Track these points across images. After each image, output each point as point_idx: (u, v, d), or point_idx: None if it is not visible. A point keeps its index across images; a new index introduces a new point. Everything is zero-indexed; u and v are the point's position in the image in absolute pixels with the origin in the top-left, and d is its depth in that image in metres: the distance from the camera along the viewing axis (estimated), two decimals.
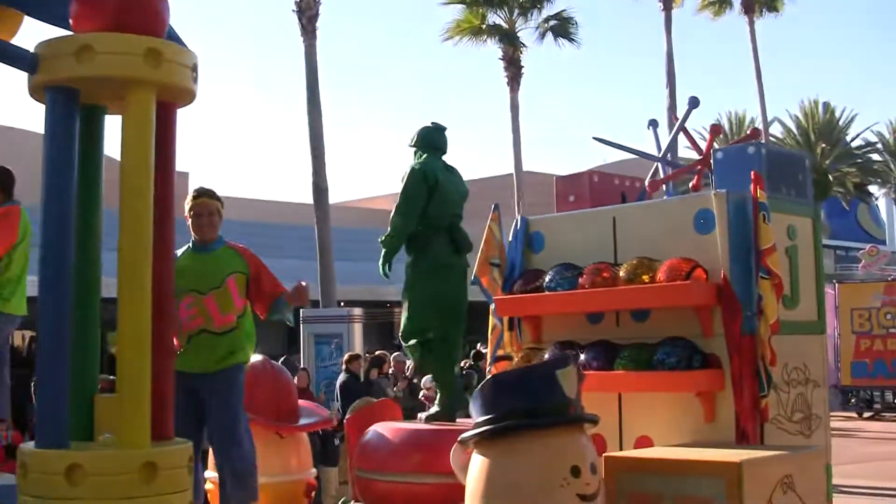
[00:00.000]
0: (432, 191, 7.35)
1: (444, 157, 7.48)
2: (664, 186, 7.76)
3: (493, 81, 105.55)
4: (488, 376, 6.33)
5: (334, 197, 26.82)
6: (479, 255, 7.88)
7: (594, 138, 7.98)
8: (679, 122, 7.89)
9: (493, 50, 32.40)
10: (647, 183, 7.70)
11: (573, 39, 32.32)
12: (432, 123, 7.62)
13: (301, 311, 17.38)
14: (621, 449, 7.15)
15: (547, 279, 7.34)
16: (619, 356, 6.97)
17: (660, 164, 7.83)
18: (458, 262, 7.61)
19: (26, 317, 6.87)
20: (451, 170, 7.68)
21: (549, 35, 32.30)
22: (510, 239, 7.77)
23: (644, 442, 7.07)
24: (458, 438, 5.66)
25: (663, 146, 7.80)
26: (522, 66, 32.02)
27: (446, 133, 7.74)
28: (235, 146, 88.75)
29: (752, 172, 6.97)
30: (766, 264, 6.81)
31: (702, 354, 6.76)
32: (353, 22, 79.75)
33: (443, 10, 32.92)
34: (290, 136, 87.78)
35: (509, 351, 7.60)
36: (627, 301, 6.98)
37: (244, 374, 6.82)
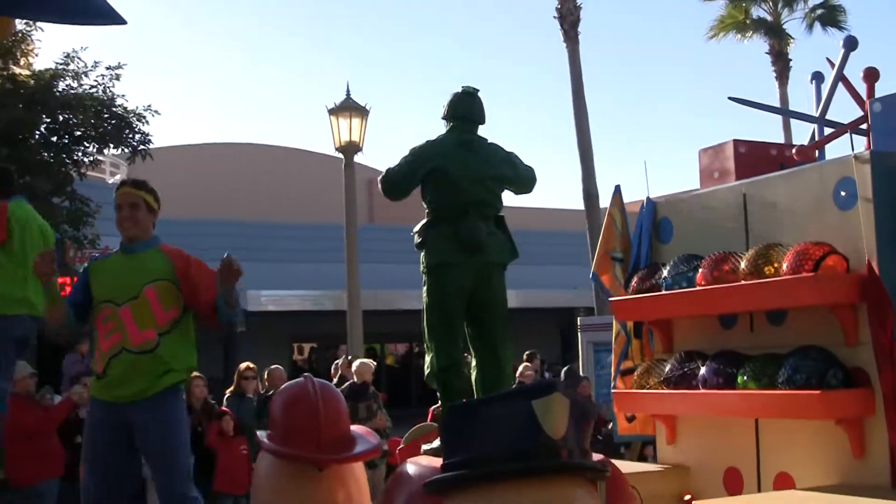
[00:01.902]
0: (429, 175, 5.95)
1: (480, 128, 5.98)
2: (817, 153, 5.94)
3: (761, 77, 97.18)
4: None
5: (604, 202, 25.34)
6: (598, 247, 6.50)
7: (730, 98, 6.30)
8: (836, 69, 6.02)
9: (758, 44, 29.96)
10: (794, 151, 5.91)
11: (843, 27, 28.78)
12: (462, 88, 6.17)
13: (578, 318, 16.03)
14: (759, 488, 5.55)
15: (663, 274, 5.86)
16: (741, 371, 5.40)
17: (815, 127, 6.02)
18: (464, 261, 5.58)
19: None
20: (474, 145, 5.77)
21: (817, 25, 29.15)
22: (635, 226, 6.33)
23: (783, 481, 5.41)
24: (424, 484, 4.43)
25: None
26: (790, 60, 29.18)
27: (477, 98, 5.91)
28: None
29: None
30: None
31: (842, 369, 5.03)
32: (613, 25, 76.07)
33: (704, 7, 30.94)
34: (557, 142, 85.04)
35: (638, 363, 6.17)
36: (743, 300, 5.34)
37: (181, 398, 5.69)
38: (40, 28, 15.09)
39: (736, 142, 6.16)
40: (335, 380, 14.44)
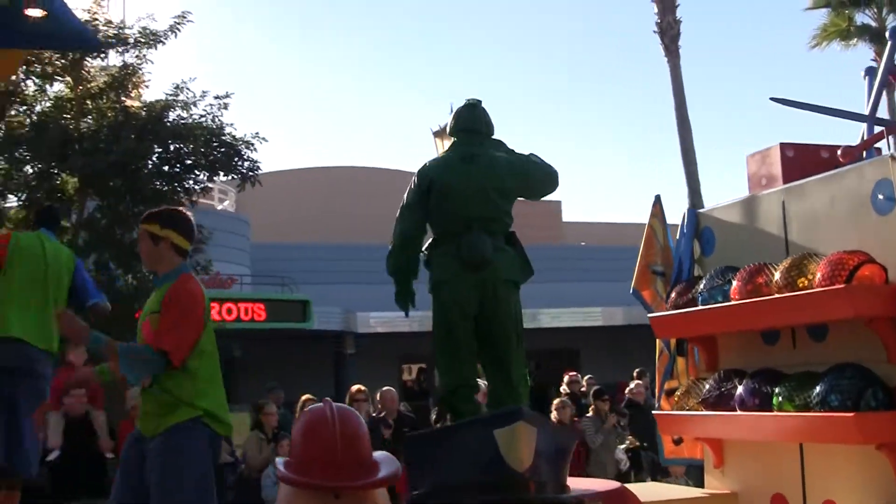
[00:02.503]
0: (429, 192, 5.49)
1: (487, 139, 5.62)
2: (864, 154, 5.42)
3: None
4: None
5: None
6: (638, 260, 6.12)
7: (772, 99, 5.83)
8: (883, 63, 5.50)
9: (863, 52, 28.18)
10: (839, 153, 5.41)
11: None
12: (466, 101, 5.87)
13: None
14: None
15: (700, 288, 5.47)
16: (776, 391, 4.97)
17: (865, 126, 5.51)
18: (467, 278, 5.30)
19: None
20: (477, 158, 5.45)
21: None
22: (677, 237, 5.94)
23: None
24: None
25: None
26: None
27: (479, 109, 5.68)
28: (604, 173, 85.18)
29: None
30: None
31: (883, 389, 4.58)
32: (712, 38, 73.38)
33: (806, 17, 29.35)
34: (657, 156, 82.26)
35: (684, 382, 5.78)
36: (774, 315, 4.89)
37: (190, 436, 5.07)
38: (150, 61, 15.47)
39: (783, 145, 5.71)
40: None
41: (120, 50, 15.39)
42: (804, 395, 4.73)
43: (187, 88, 15.49)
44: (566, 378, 14.52)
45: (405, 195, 5.63)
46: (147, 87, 15.59)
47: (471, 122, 5.57)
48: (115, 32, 15.26)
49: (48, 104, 14.49)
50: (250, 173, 15.57)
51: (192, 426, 5.12)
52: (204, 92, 15.56)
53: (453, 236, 5.31)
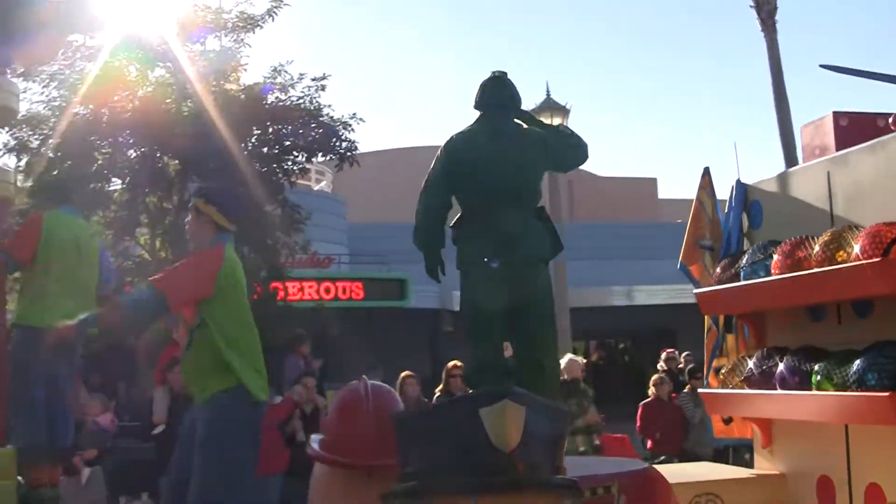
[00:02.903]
0: (455, 167, 5.37)
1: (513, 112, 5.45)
2: None
3: None
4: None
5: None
6: (686, 234, 5.91)
7: (821, 66, 5.53)
8: None
9: None
10: (890, 121, 5.11)
11: None
12: (491, 73, 5.69)
13: None
14: (850, 499, 4.89)
15: (742, 262, 5.27)
16: (815, 369, 4.76)
17: None
18: (498, 256, 5.14)
19: None
20: (504, 133, 5.31)
21: None
22: (725, 211, 5.72)
23: (874, 494, 4.73)
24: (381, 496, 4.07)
25: None
26: None
27: (505, 81, 5.47)
28: (700, 149, 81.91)
29: None
30: None
31: None
32: (811, 12, 69.65)
33: None
34: (756, 134, 78.73)
35: (733, 359, 5.57)
36: (809, 291, 4.67)
37: (229, 406, 5.25)
38: (248, 45, 15.69)
39: (836, 114, 5.45)
40: None
41: (218, 34, 15.67)
42: (842, 374, 4.52)
43: (285, 71, 15.63)
44: (663, 355, 14.32)
45: (430, 169, 5.56)
46: (245, 70, 15.81)
47: (497, 96, 5.44)
48: (214, 17, 15.52)
49: (149, 89, 14.79)
50: (348, 154, 15.65)
51: (234, 392, 5.23)
52: (301, 74, 15.68)
53: (480, 212, 5.21)
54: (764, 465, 5.52)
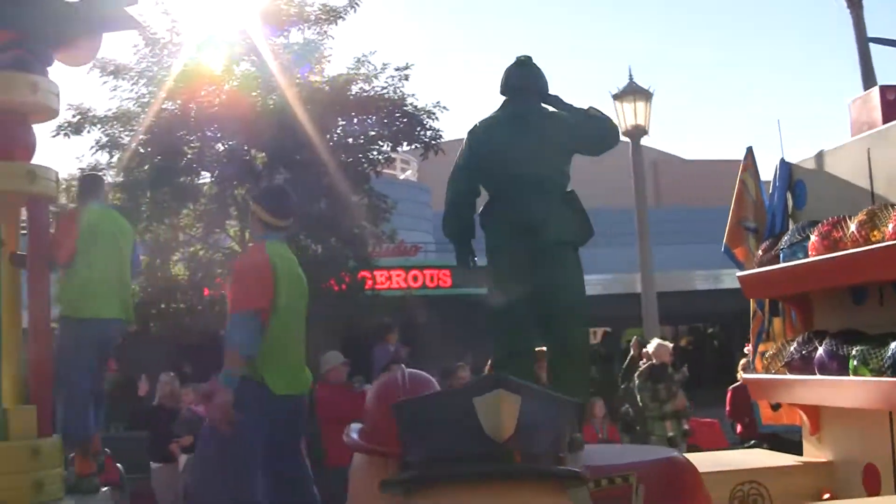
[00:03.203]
0: (478, 154, 5.26)
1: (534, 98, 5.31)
2: None
3: None
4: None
5: None
6: (729, 216, 5.73)
7: (869, 39, 5.25)
8: None
9: None
10: None
11: None
12: (516, 58, 5.55)
13: None
14: (895, 488, 4.71)
15: (782, 244, 5.10)
16: (853, 354, 4.58)
17: None
18: (520, 242, 5.03)
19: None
20: (529, 118, 5.20)
21: None
22: (770, 191, 5.54)
23: None
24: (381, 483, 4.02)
25: None
26: None
27: (530, 66, 5.40)
28: (789, 129, 77.73)
29: None
30: None
31: None
32: None
33: None
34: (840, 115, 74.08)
35: (778, 344, 5.39)
36: (840, 273, 4.51)
37: (246, 392, 5.32)
38: (331, 36, 15.81)
39: (883, 88, 5.23)
40: (626, 362, 14.08)
41: (301, 27, 15.82)
42: (879, 359, 4.36)
43: (368, 62, 15.72)
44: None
45: (457, 157, 5.52)
46: (329, 62, 15.94)
47: (521, 80, 5.36)
48: (297, 10, 15.67)
49: (235, 83, 15.00)
50: (433, 142, 15.68)
51: (244, 382, 5.32)
52: (384, 64, 15.75)
53: (506, 198, 5.13)
54: (812, 452, 5.35)
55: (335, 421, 11.33)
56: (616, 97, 15.15)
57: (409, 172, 26.38)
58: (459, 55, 77.60)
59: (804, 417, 5.33)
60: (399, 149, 16.75)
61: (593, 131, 5.28)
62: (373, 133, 15.65)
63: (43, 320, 5.77)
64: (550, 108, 5.35)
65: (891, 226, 4.26)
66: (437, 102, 15.67)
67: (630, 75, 15.28)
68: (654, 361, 12.25)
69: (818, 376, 4.70)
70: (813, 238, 4.75)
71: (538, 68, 5.42)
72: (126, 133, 14.95)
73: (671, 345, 13.16)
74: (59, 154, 77.03)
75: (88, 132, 14.93)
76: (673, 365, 12.79)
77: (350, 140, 15.71)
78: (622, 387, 13.61)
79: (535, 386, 3.99)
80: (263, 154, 15.30)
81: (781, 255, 5.00)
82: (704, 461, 5.29)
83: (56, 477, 5.47)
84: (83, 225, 6.42)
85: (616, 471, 4.07)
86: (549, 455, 3.55)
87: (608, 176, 24.78)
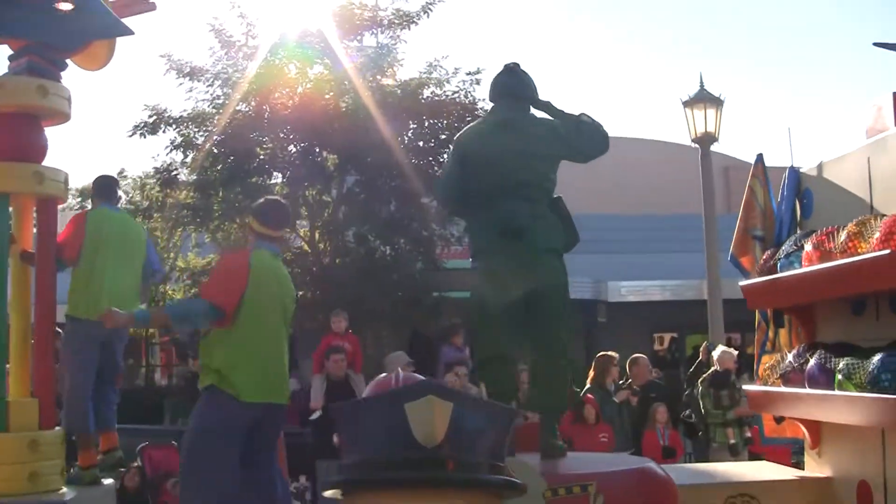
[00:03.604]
0: (463, 160, 5.23)
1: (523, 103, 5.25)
2: None
3: None
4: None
5: None
6: (737, 224, 5.60)
7: (875, 44, 5.07)
8: None
9: None
10: None
11: None
12: (504, 65, 5.48)
13: None
14: (886, 502, 4.56)
15: (780, 254, 4.97)
16: (839, 368, 4.44)
17: None
18: (503, 248, 5.02)
19: None
20: (515, 124, 5.15)
21: None
22: (778, 199, 5.39)
23: None
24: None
25: None
26: None
27: (517, 72, 5.36)
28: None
29: None
30: None
31: None
32: None
33: None
34: None
35: (779, 355, 5.25)
36: (827, 285, 4.40)
37: (207, 401, 5.41)
38: (404, 41, 15.88)
39: None
40: (692, 368, 13.86)
41: (375, 31, 15.94)
42: (862, 373, 4.23)
43: (440, 66, 15.76)
44: None
45: (446, 161, 5.52)
46: (402, 66, 16.01)
47: (509, 87, 5.33)
48: (370, 14, 15.80)
49: (308, 85, 15.17)
50: None
51: (210, 392, 5.36)
52: (456, 68, 15.75)
53: (490, 204, 5.12)
54: (813, 466, 5.21)
55: None
56: (686, 104, 14.92)
57: None
58: (530, 60, 77.35)
59: (805, 431, 5.20)
60: None
61: (582, 138, 5.23)
62: (444, 136, 15.66)
63: (48, 317, 5.88)
64: (539, 115, 5.32)
65: (877, 236, 4.14)
66: None
67: (701, 82, 15.05)
68: (717, 368, 12.08)
69: (806, 390, 4.59)
70: (807, 248, 4.64)
71: (526, 75, 5.39)
72: (200, 134, 15.21)
73: (735, 352, 12.93)
74: (135, 153, 78.43)
75: (164, 132, 15.20)
76: (737, 372, 12.58)
77: (421, 143, 15.77)
78: (686, 392, 13.43)
79: (468, 394, 3.98)
80: (335, 156, 15.44)
81: (779, 265, 4.89)
82: (698, 473, 5.21)
83: (54, 468, 5.56)
84: (90, 227, 6.44)
85: (575, 480, 4.03)
86: (484, 463, 3.54)
87: (683, 183, 24.42)
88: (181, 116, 15.25)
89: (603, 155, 5.35)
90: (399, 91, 15.45)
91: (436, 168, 15.74)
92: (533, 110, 5.35)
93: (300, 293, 15.26)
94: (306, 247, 15.79)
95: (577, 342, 22.29)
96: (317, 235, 15.72)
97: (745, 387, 5.49)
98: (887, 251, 3.96)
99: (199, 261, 15.89)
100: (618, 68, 74.91)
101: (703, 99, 14.96)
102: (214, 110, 15.21)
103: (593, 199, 30.37)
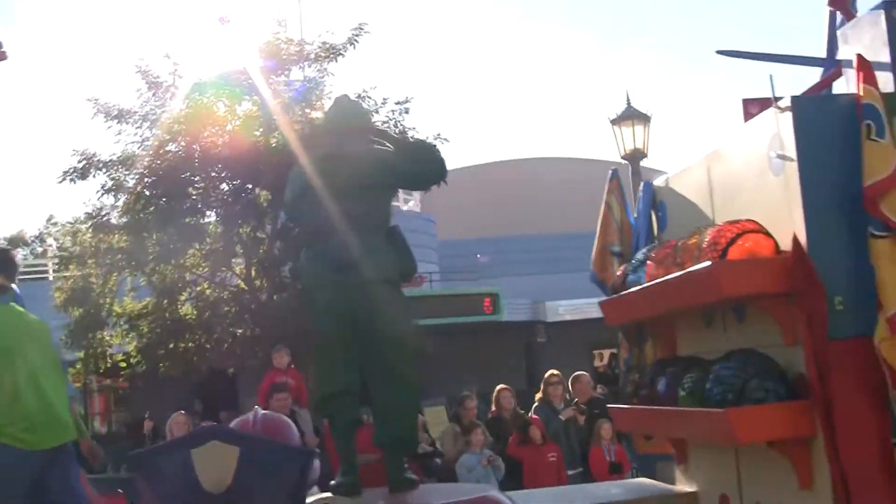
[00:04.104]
0: (295, 191, 5.18)
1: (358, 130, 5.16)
2: None
3: None
4: None
5: None
6: (595, 240, 5.50)
7: (718, 51, 4.99)
8: None
9: None
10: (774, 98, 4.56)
11: None
12: (335, 98, 5.42)
13: None
14: None
15: (628, 268, 4.86)
16: (681, 382, 4.33)
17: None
18: (335, 280, 4.89)
19: None
20: (335, 156, 5.03)
21: None
22: (635, 214, 5.30)
23: None
24: None
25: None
26: None
27: (346, 103, 5.37)
28: None
29: (856, 57, 3.92)
30: (881, 212, 3.73)
31: (775, 377, 3.89)
32: None
33: None
34: None
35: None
36: (658, 301, 4.31)
37: None
38: (331, 73, 15.78)
39: (746, 102, 4.97)
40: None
41: (302, 65, 15.84)
42: (700, 388, 4.11)
43: (368, 97, 15.65)
44: None
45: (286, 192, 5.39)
46: (330, 98, 15.89)
47: (339, 119, 5.23)
48: (297, 49, 15.71)
49: (238, 123, 15.04)
50: None
51: None
52: (385, 98, 15.66)
53: (321, 237, 5.01)
54: (681, 481, 5.09)
55: None
56: (614, 122, 14.90)
57: (412, 203, 26.23)
58: (459, 86, 77.70)
59: (673, 447, 5.07)
60: None
61: (416, 166, 5.12)
62: None
63: None
64: (370, 145, 5.21)
65: (703, 248, 4.03)
66: (438, 134, 15.57)
67: (628, 100, 15.03)
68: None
69: (654, 407, 4.47)
70: (649, 262, 4.54)
71: (358, 105, 5.32)
72: (131, 176, 15.04)
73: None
74: (65, 199, 77.61)
75: (94, 177, 15.04)
76: None
77: None
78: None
79: (257, 437, 3.85)
80: (267, 191, 15.27)
81: (627, 281, 4.78)
82: (560, 495, 5.09)
83: None
84: None
85: None
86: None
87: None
88: (111, 160, 15.07)
89: (439, 182, 5.24)
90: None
91: None
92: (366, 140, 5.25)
93: (239, 331, 15.18)
94: (243, 284, 15.61)
95: (518, 363, 22.33)
96: (253, 272, 15.54)
97: (609, 406, 5.36)
98: (707, 263, 3.85)
99: (136, 305, 15.66)
100: (548, 90, 75.19)
101: (631, 116, 14.95)
102: (144, 152, 15.05)
103: (528, 221, 30.39)
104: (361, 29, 15.70)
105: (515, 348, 21.96)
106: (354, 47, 15.69)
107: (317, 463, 4.40)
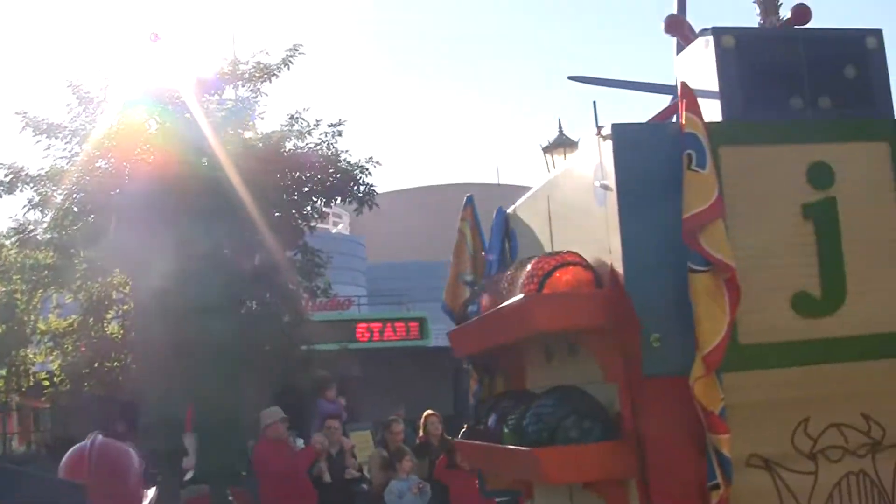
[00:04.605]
0: None
1: None
2: None
3: None
4: None
5: None
6: (450, 270, 5.28)
7: (570, 77, 4.82)
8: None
9: None
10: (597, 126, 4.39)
11: None
12: None
13: None
14: None
15: (468, 299, 4.66)
16: (508, 420, 4.11)
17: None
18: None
19: None
20: None
21: None
22: (488, 242, 5.09)
23: None
24: None
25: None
26: None
27: None
28: None
29: (680, 85, 3.74)
30: (700, 246, 3.53)
31: (592, 415, 3.68)
32: None
33: None
34: None
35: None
36: (484, 335, 4.11)
37: None
38: (264, 94, 15.53)
39: (600, 128, 4.80)
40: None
41: (235, 85, 15.57)
42: (521, 425, 3.90)
43: (302, 119, 15.40)
44: None
45: None
46: (263, 118, 15.66)
47: None
48: (230, 68, 15.44)
49: (168, 141, 14.69)
50: (366, 197, 15.34)
51: None
52: (318, 121, 15.38)
53: None
54: None
55: (273, 476, 11.09)
56: (546, 149, 14.80)
57: (341, 226, 26.03)
58: (393, 110, 78.20)
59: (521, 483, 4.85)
60: (333, 204, 16.42)
61: None
62: (306, 189, 15.31)
63: None
64: None
65: (519, 284, 3.82)
66: (370, 157, 15.37)
67: (560, 127, 14.95)
68: None
69: (480, 443, 4.25)
70: (483, 295, 4.33)
71: None
72: (59, 192, 14.68)
73: None
74: None
75: (21, 191, 14.65)
76: None
77: (284, 196, 15.37)
78: None
79: (29, 472, 3.56)
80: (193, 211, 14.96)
81: (469, 312, 4.56)
82: None
83: None
84: None
85: None
86: None
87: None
88: (39, 175, 14.69)
89: None
90: (260, 144, 15.07)
91: (299, 221, 15.41)
92: None
93: None
94: None
95: (446, 388, 22.06)
96: None
97: (455, 440, 5.13)
98: (521, 296, 3.64)
99: (61, 322, 15.26)
100: (483, 117, 75.36)
101: (563, 144, 14.89)
102: (73, 168, 14.69)
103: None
104: (296, 50, 15.45)
105: (443, 374, 21.73)
106: (289, 68, 15.43)
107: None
